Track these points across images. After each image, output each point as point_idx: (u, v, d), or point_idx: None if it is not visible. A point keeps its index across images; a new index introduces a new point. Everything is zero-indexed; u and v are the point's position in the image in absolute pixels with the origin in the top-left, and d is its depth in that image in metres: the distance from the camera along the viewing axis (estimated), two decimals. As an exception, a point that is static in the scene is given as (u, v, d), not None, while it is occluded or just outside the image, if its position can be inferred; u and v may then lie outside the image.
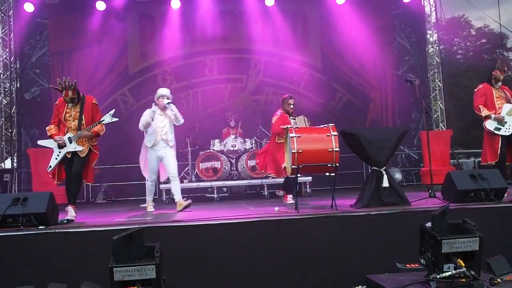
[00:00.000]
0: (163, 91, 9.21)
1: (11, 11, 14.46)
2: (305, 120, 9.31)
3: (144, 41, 14.96)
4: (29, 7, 13.85)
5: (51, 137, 7.77)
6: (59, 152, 7.68)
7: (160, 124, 8.97)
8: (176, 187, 8.98)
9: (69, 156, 7.69)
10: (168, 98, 9.01)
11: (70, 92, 7.67)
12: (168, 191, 12.00)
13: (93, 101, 7.92)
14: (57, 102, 8.01)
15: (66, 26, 14.31)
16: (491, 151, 8.86)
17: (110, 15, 14.30)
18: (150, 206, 9.24)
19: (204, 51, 14.85)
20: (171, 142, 9.02)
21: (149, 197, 9.41)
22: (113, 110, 7.87)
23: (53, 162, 7.71)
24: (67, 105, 7.80)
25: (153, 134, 8.93)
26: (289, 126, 8.64)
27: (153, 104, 9.05)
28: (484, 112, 8.84)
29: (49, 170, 7.82)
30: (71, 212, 7.61)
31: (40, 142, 8.04)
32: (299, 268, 6.01)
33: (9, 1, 14.42)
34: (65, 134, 7.68)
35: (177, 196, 8.86)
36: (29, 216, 6.44)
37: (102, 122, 7.72)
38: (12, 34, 14.43)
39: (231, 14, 14.84)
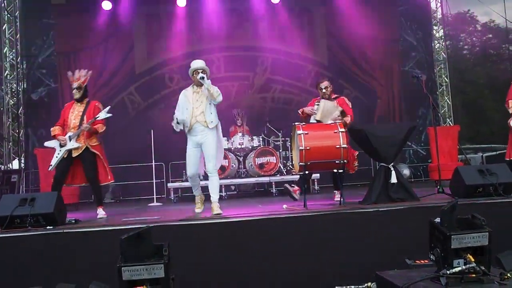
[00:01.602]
0: (197, 63, 7.65)
1: (17, 12, 14.48)
2: (323, 103, 8.41)
3: (151, 40, 14.97)
4: (35, 8, 13.88)
5: (54, 137, 7.98)
6: (60, 150, 7.88)
7: (195, 103, 7.50)
8: (212, 185, 7.48)
9: (68, 156, 7.88)
10: (202, 72, 7.46)
11: (81, 79, 8.10)
12: (177, 190, 12.00)
13: (96, 104, 8.18)
14: (66, 105, 8.31)
15: (72, 26, 14.34)
16: (510, 148, 8.80)
17: (116, 15, 14.32)
18: (197, 203, 7.85)
19: (210, 49, 14.83)
20: (211, 124, 7.42)
21: (195, 191, 7.92)
22: (108, 107, 8.07)
23: (53, 161, 7.90)
24: (73, 106, 8.12)
25: (188, 118, 7.44)
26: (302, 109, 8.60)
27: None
28: None
29: (50, 169, 8.04)
30: (100, 212, 8.00)
31: (46, 144, 8.24)
32: (308, 265, 6.00)
33: (15, 2, 14.44)
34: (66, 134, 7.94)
35: (213, 196, 7.40)
36: (37, 216, 6.44)
37: (97, 118, 7.90)
38: (18, 35, 14.46)
39: (237, 11, 14.84)
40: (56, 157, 7.86)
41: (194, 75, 7.56)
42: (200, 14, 14.63)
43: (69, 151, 7.86)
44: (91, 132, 7.94)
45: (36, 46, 14.49)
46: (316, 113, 8.38)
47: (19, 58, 14.44)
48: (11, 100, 14.40)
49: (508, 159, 8.78)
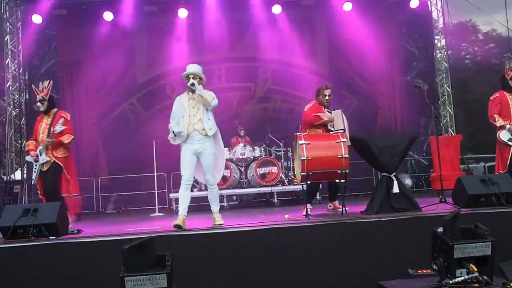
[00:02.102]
0: (189, 68, 7.30)
1: (20, 23, 14.55)
2: (342, 115, 8.25)
3: (152, 51, 14.97)
4: (37, 19, 13.93)
5: (28, 152, 8.16)
6: (36, 165, 8.00)
7: (192, 111, 7.16)
8: (212, 196, 7.33)
9: (42, 169, 7.97)
10: (194, 78, 7.16)
11: (44, 92, 8.11)
12: (179, 200, 11.95)
13: (61, 114, 8.12)
14: (37, 118, 8.37)
15: (74, 37, 14.42)
16: (501, 161, 8.75)
17: (118, 26, 14.35)
18: (179, 220, 6.85)
19: (212, 60, 14.80)
20: (210, 131, 7.11)
21: (181, 207, 7.11)
22: (62, 119, 7.95)
23: (34, 175, 8.06)
24: (42, 119, 8.16)
25: (185, 126, 7.09)
26: (321, 114, 8.21)
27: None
28: (499, 122, 8.66)
29: (32, 183, 8.40)
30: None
31: (26, 159, 8.66)
32: (310, 275, 5.99)
33: (17, 13, 14.51)
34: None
35: (213, 207, 7.30)
36: (40, 226, 6.47)
37: (55, 132, 7.90)
38: (20, 46, 14.51)
39: (239, 22, 14.82)
40: (34, 171, 8.00)
41: (187, 80, 7.25)
42: (201, 24, 14.64)
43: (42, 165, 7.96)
44: (57, 144, 7.96)
45: (38, 57, 14.55)
46: (334, 122, 8.25)
47: (21, 69, 14.48)
48: (13, 111, 14.41)
49: (497, 172, 8.75)
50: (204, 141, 7.13)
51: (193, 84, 7.08)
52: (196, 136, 7.11)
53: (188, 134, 7.10)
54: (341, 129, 7.91)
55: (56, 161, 7.95)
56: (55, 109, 8.24)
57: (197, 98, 7.16)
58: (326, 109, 8.43)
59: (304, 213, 7.62)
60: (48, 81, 8.28)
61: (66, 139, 7.98)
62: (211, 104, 7.12)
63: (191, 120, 7.13)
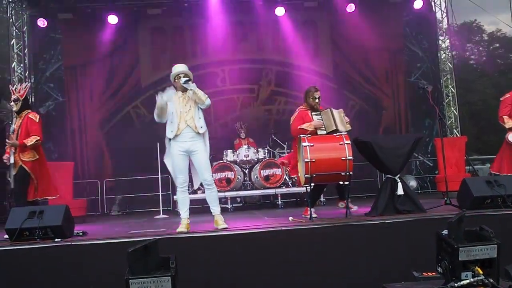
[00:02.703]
0: (178, 68, 7.13)
1: (25, 27, 14.60)
2: (332, 112, 7.99)
3: (156, 53, 15.00)
4: (42, 23, 14.01)
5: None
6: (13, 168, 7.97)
7: (184, 108, 6.91)
8: (212, 197, 7.08)
9: (13, 172, 7.92)
10: (185, 76, 6.99)
11: (21, 92, 8.04)
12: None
13: (29, 116, 8.02)
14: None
15: (79, 41, 14.45)
16: (509, 163, 8.69)
17: (122, 29, 14.40)
18: (182, 224, 6.86)
19: (215, 62, 14.88)
20: (201, 129, 6.86)
21: (182, 211, 7.03)
22: (17, 121, 8.00)
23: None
24: (14, 120, 8.14)
25: (175, 121, 6.87)
26: (305, 125, 7.99)
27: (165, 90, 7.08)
28: (508, 124, 8.63)
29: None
30: None
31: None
32: (314, 278, 5.98)
33: (23, 17, 14.56)
34: None
35: (215, 209, 7.03)
36: (45, 229, 6.48)
37: (10, 134, 7.96)
38: (26, 50, 14.56)
39: (242, 24, 14.85)
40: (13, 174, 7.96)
41: (176, 80, 7.06)
42: (205, 27, 14.65)
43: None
44: (22, 147, 7.84)
45: (44, 61, 14.61)
46: (324, 125, 8.02)
47: (27, 72, 14.51)
48: (19, 114, 14.47)
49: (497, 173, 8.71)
50: (196, 139, 6.88)
51: (187, 81, 6.89)
52: (188, 133, 6.86)
53: (179, 130, 6.86)
54: (334, 130, 7.84)
55: (23, 165, 7.83)
56: (27, 111, 8.11)
57: (189, 96, 6.98)
58: (314, 113, 8.22)
59: (306, 215, 7.67)
60: (26, 83, 8.25)
61: (30, 141, 7.80)
62: (205, 102, 6.91)
63: (184, 116, 6.89)
